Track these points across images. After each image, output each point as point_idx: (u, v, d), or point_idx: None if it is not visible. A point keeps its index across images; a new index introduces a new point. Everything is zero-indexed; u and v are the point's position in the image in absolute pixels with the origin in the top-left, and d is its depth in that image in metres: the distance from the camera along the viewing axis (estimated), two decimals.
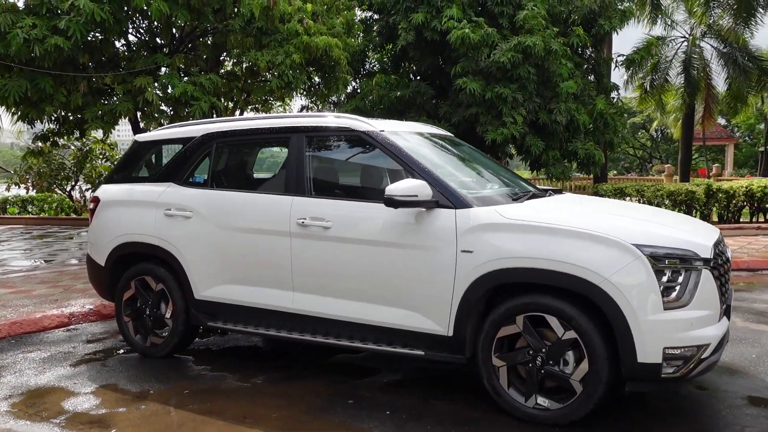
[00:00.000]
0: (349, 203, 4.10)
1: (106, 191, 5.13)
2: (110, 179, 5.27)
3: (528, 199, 4.07)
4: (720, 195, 10.76)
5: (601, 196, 12.50)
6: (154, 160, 5.38)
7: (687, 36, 25.47)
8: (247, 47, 9.84)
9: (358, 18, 14.01)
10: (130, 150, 5.16)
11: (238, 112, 12.85)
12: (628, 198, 12.84)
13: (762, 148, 44.73)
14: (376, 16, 14.87)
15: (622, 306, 3.22)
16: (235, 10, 9.65)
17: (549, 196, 4.38)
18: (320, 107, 18.67)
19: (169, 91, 9.36)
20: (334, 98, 16.87)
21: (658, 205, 11.49)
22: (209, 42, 11.17)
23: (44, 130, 11.22)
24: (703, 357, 3.29)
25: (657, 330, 3.21)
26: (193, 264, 4.54)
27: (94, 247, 5.13)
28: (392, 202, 3.62)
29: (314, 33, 9.93)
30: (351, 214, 4.00)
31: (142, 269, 4.89)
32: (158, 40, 10.38)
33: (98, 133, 15.33)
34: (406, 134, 4.35)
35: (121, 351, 5.15)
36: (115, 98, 10.19)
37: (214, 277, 4.50)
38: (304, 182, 4.21)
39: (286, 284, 4.22)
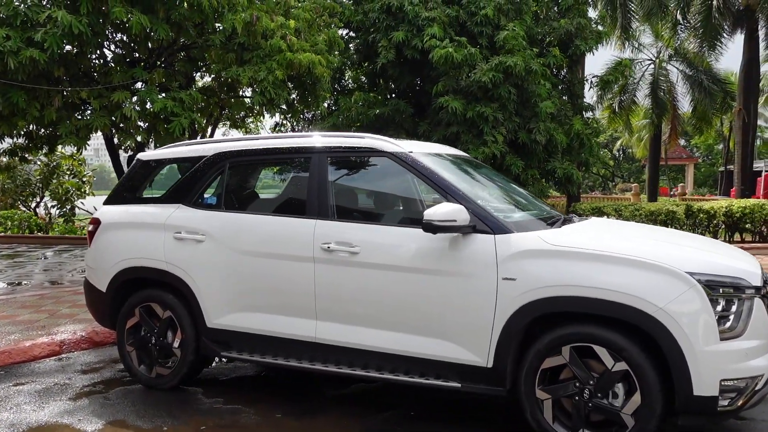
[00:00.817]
0: (379, 227, 3.94)
1: (106, 213, 4.86)
2: (111, 200, 4.97)
3: (563, 223, 3.96)
4: (701, 215, 10.93)
5: (579, 214, 12.58)
6: (159, 180, 5.14)
7: (653, 59, 26.12)
8: (228, 63, 9.65)
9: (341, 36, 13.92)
10: (132, 169, 4.89)
11: (210, 129, 12.61)
12: (605, 217, 12.92)
13: (722, 168, 46.13)
14: (352, 34, 14.86)
15: (678, 337, 3.10)
16: (217, 25, 9.47)
17: (579, 220, 4.28)
18: (295, 124, 18.55)
19: (148, 106, 9.08)
20: (308, 115, 16.81)
21: None
22: (186, 57, 10.96)
23: (12, 144, 10.81)
24: (757, 388, 3.21)
25: (713, 361, 3.10)
26: (206, 290, 4.29)
27: (94, 272, 4.83)
28: (431, 227, 3.47)
29: (297, 50, 9.80)
30: (381, 239, 3.82)
31: (147, 296, 4.60)
32: (136, 54, 10.11)
33: (67, 149, 15.00)
34: (433, 155, 4.19)
35: (123, 382, 4.81)
36: (89, 112, 9.89)
37: (229, 304, 4.25)
38: (327, 205, 4.01)
39: (309, 312, 4.00)
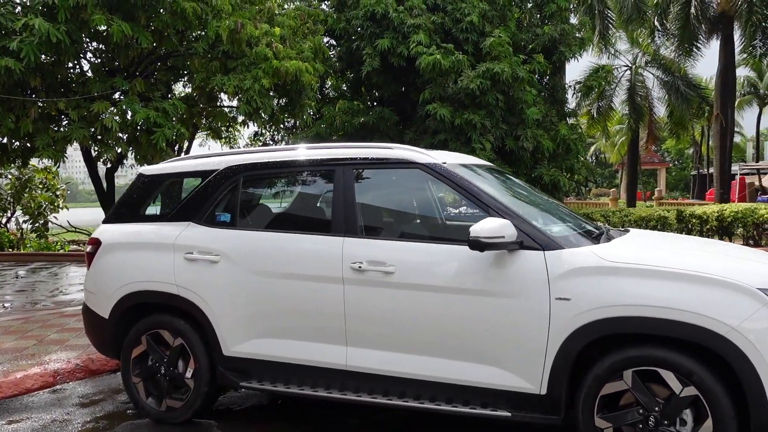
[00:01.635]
0: (414, 245, 3.65)
1: (107, 232, 4.48)
2: (111, 218, 4.60)
3: (610, 237, 3.73)
4: (693, 220, 10.92)
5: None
6: (164, 197, 4.81)
7: (630, 65, 26.36)
8: (212, 71, 9.37)
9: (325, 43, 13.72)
10: (134, 185, 4.53)
11: (186, 142, 12.27)
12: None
13: (694, 172, 46.89)
14: (333, 42, 14.66)
15: (753, 359, 2.88)
16: (201, 32, 9.19)
17: (620, 232, 4.05)
18: (275, 134, 18.25)
19: (130, 117, 8.75)
20: (288, 124, 16.55)
21: None
22: (166, 66, 10.66)
23: None
24: None
25: None
26: (222, 315, 3.95)
27: (95, 296, 4.44)
28: (479, 245, 3.21)
29: (283, 57, 9.57)
30: (418, 258, 3.54)
31: (156, 322, 4.23)
32: (115, 63, 9.77)
33: (42, 162, 14.50)
34: (466, 166, 3.94)
35: (128, 416, 4.40)
36: (65, 124, 9.52)
37: (248, 330, 3.92)
38: (355, 221, 3.72)
39: (338, 338, 3.69)
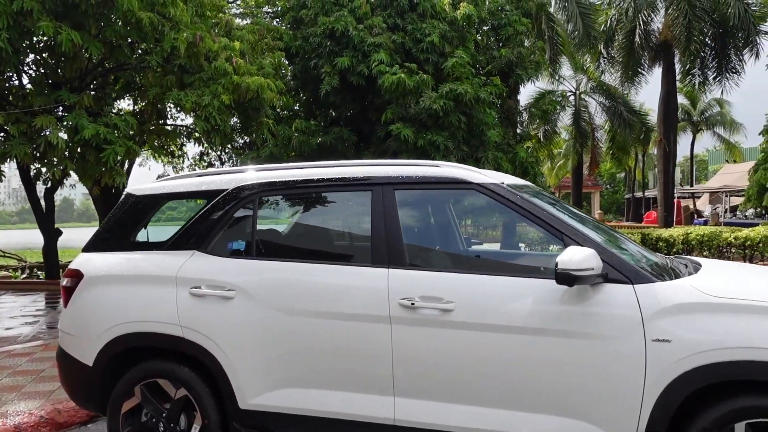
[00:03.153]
0: (477, 278, 3.12)
1: (90, 263, 3.77)
2: (93, 246, 3.87)
3: (696, 268, 3.34)
4: (660, 243, 10.99)
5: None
6: (159, 220, 4.12)
7: (574, 90, 27.01)
8: (167, 86, 8.82)
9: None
10: (122, 207, 3.84)
11: (130, 159, 11.58)
12: None
13: (628, 195, 48.53)
14: (286, 61, 14.26)
15: None
16: (155, 45, 8.64)
17: (695, 262, 3.65)
18: (222, 154, 17.62)
19: (77, 133, 8.09)
20: (239, 143, 16.00)
21: None
22: (115, 79, 10.02)
23: None
24: None
25: None
26: (238, 361, 3.35)
27: (75, 340, 3.73)
28: (567, 278, 2.77)
29: (244, 73, 9.11)
30: (483, 292, 3.05)
31: (153, 370, 3.56)
32: (61, 74, 9.09)
33: None
34: (524, 187, 3.51)
35: None
36: (3, 139, 8.77)
37: (270, 378, 3.33)
38: (401, 249, 3.22)
39: (384, 387, 3.15)
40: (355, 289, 3.22)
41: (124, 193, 3.87)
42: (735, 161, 36.72)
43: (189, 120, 10.22)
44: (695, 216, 29.07)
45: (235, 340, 3.36)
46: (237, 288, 3.39)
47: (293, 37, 13.04)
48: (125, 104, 12.40)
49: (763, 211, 25.82)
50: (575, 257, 2.76)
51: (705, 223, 23.17)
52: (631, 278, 2.87)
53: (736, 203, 31.60)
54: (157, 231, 3.84)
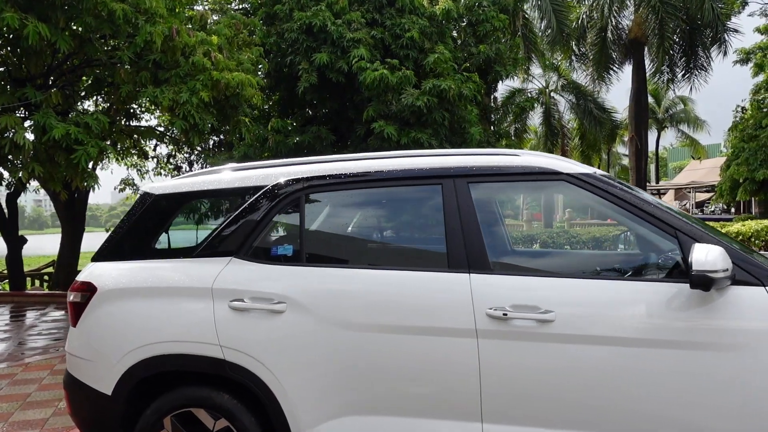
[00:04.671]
0: (581, 282, 2.72)
1: (105, 274, 3.25)
2: (106, 254, 3.33)
3: None
4: None
5: None
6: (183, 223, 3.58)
7: (545, 88, 27.09)
8: (141, 83, 8.33)
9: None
10: (139, 209, 3.31)
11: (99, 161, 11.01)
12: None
13: None
14: (264, 58, 13.83)
15: None
16: (127, 40, 8.15)
17: None
18: (190, 155, 17.05)
19: (45, 133, 7.57)
20: (212, 143, 15.51)
21: None
22: (80, 75, 9.48)
23: None
24: None
25: None
26: (292, 385, 2.90)
27: (89, 365, 3.21)
28: (704, 281, 2.43)
29: (223, 69, 8.68)
30: (589, 299, 2.67)
31: (187, 398, 3.07)
32: (25, 70, 8.52)
33: None
34: (610, 177, 3.13)
35: None
36: None
37: (332, 404, 2.88)
38: (483, 251, 2.80)
39: (470, 412, 2.74)
40: (432, 298, 2.81)
41: (140, 192, 3.35)
42: (699, 158, 37.42)
43: (154, 121, 9.70)
44: None
45: (288, 361, 2.92)
46: (288, 300, 2.95)
47: (267, 34, 12.61)
48: (90, 103, 11.80)
49: (728, 206, 26.30)
50: (710, 257, 2.42)
51: None
52: (762, 280, 2.55)
53: (702, 199, 32.16)
54: (177, 236, 3.34)
